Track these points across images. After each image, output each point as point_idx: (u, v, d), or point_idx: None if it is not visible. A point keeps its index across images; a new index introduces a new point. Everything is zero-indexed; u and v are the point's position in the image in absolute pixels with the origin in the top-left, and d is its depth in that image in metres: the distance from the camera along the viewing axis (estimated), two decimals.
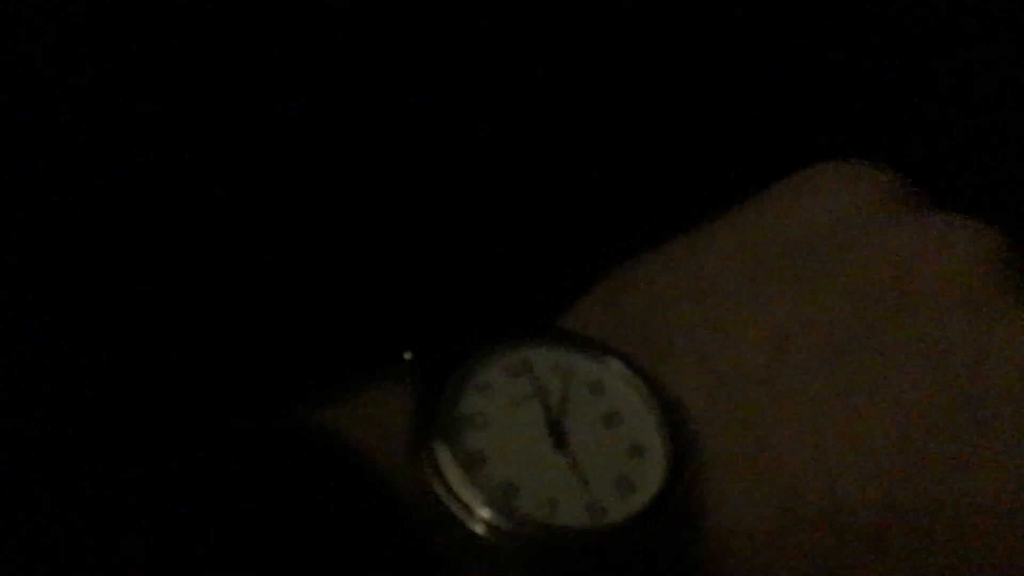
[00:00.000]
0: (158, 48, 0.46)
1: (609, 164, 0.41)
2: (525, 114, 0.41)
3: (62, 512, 0.31)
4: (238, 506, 0.31)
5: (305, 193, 0.41)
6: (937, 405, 0.34)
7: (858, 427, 0.34)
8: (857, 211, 0.37)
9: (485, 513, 0.32)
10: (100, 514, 0.31)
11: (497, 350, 0.34)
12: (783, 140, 0.42)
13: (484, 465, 0.33)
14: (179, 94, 0.45)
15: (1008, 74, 0.42)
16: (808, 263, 0.36)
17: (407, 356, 0.35)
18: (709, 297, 0.36)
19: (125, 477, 0.32)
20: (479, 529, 0.32)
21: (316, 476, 0.32)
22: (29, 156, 0.45)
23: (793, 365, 0.35)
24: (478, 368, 0.34)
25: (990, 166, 0.41)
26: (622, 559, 0.32)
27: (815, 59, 0.42)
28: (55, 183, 0.43)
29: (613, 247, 0.37)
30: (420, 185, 0.40)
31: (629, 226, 0.40)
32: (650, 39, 0.42)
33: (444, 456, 0.32)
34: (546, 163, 0.41)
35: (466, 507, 0.32)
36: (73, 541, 0.30)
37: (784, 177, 0.38)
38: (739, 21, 0.42)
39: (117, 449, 0.34)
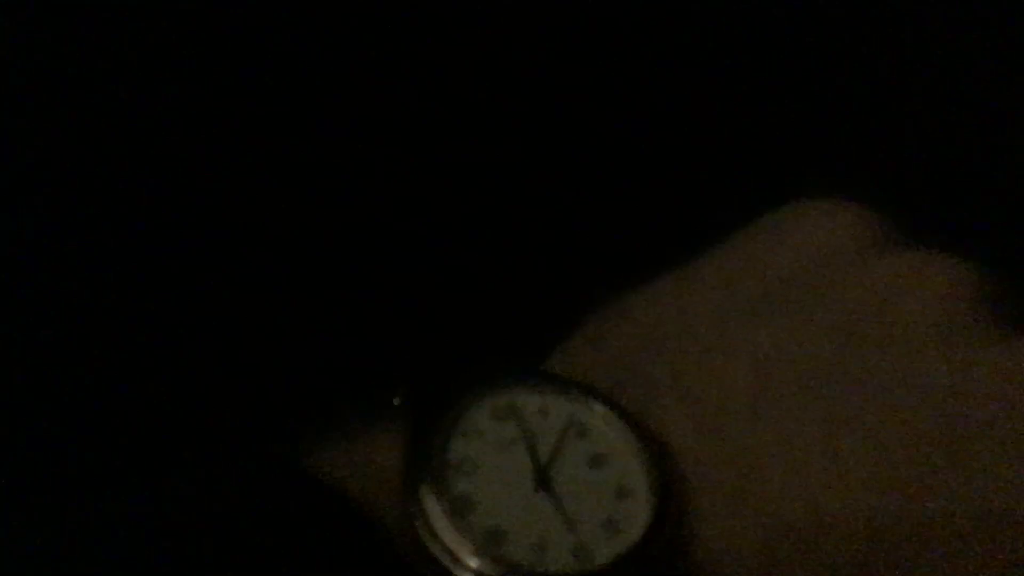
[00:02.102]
0: (157, 51, 0.46)
1: (591, 203, 0.41)
2: (505, 157, 0.41)
3: (55, 551, 0.32)
4: (226, 550, 0.32)
5: (293, 236, 0.41)
6: (915, 436, 0.34)
7: (840, 456, 0.34)
8: (834, 248, 0.37)
9: (473, 561, 0.32)
10: (92, 551, 0.32)
11: (484, 395, 0.35)
12: (763, 177, 0.42)
13: (471, 511, 0.33)
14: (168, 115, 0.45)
15: (981, 105, 0.43)
16: (788, 299, 0.37)
17: (396, 402, 0.35)
18: (693, 334, 0.37)
19: (111, 520, 0.32)
20: None
21: (305, 521, 0.33)
22: (26, 166, 0.45)
23: (776, 397, 0.35)
24: (466, 413, 0.35)
25: (967, 198, 0.42)
26: None
27: (791, 98, 0.43)
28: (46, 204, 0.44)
29: (597, 287, 0.38)
30: (403, 228, 0.40)
31: (613, 266, 0.40)
32: (632, 79, 0.43)
33: (431, 503, 0.33)
34: (528, 204, 0.41)
35: (453, 554, 0.32)
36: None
37: (764, 215, 0.39)
38: (715, 59, 0.43)
39: (104, 489, 0.34)
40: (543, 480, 0.34)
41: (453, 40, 0.46)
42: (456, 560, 0.32)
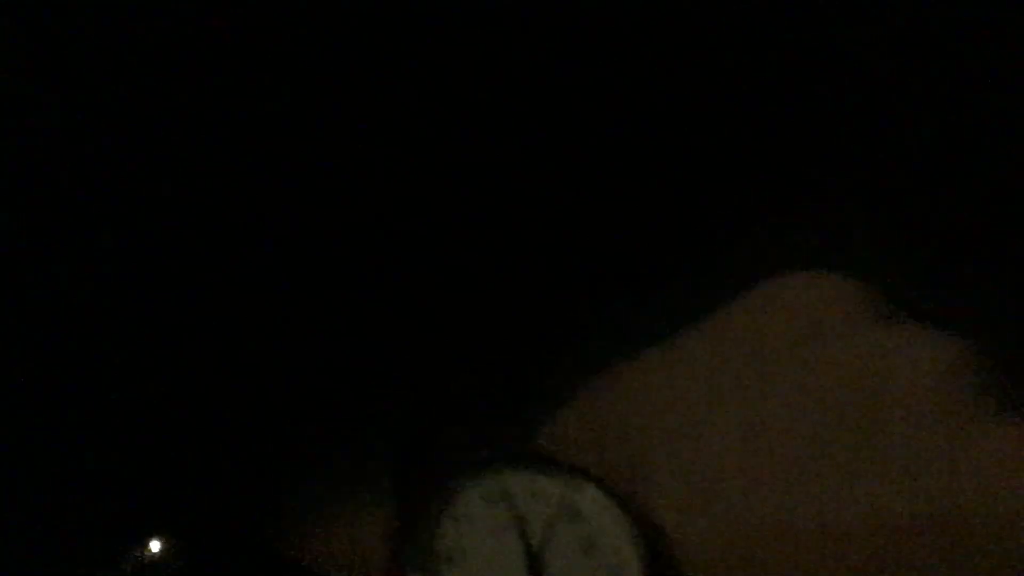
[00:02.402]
0: (157, 51, 0.45)
1: (574, 270, 0.41)
2: (483, 233, 0.41)
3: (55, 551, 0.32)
4: None
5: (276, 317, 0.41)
6: (913, 508, 0.35)
7: (835, 514, 0.35)
8: (822, 320, 0.37)
9: None
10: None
11: (474, 478, 0.35)
12: (751, 244, 0.42)
13: None
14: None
15: (975, 167, 0.42)
16: (777, 372, 0.37)
17: (384, 484, 0.35)
18: (683, 409, 0.37)
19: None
20: None
21: None
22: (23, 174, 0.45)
23: (766, 456, 0.35)
24: (455, 498, 0.35)
25: (955, 272, 0.42)
26: None
27: (776, 156, 0.42)
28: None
29: (584, 362, 0.38)
30: (385, 311, 0.40)
31: (600, 338, 0.40)
32: (614, 137, 0.42)
33: None
34: (511, 279, 0.41)
35: None
36: None
37: (754, 285, 0.39)
38: (696, 113, 0.42)
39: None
40: (535, 569, 0.34)
41: (453, 40, 0.45)
42: None
